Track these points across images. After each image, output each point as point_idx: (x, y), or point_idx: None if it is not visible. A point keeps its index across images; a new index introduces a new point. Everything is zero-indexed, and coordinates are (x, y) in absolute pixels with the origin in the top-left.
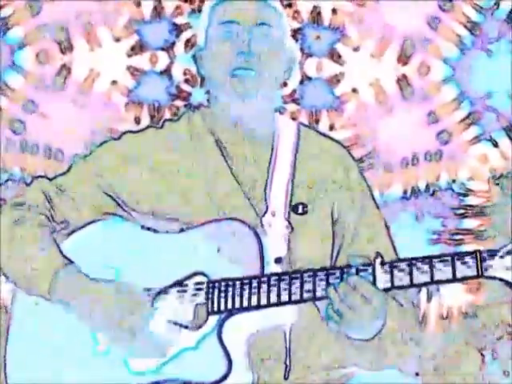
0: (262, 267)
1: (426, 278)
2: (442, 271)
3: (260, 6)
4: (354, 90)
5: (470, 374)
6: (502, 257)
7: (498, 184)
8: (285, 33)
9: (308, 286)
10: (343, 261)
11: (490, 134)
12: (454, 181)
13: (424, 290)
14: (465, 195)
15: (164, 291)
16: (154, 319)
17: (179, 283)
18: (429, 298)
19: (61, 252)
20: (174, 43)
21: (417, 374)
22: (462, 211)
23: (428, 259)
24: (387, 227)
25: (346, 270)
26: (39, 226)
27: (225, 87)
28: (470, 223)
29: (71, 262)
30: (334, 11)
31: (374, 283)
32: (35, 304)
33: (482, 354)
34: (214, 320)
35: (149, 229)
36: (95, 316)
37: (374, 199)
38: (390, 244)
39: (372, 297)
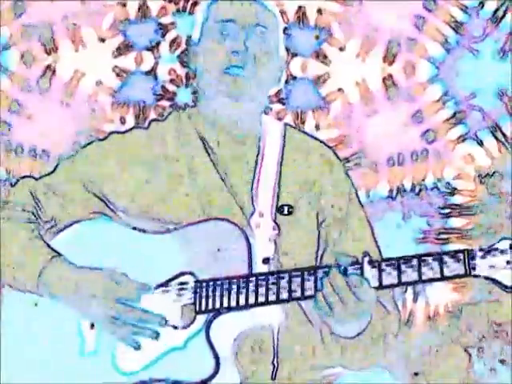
0: (250, 267)
1: (414, 277)
2: (430, 270)
3: (258, 8)
4: (340, 90)
5: (457, 373)
6: (484, 256)
7: (483, 183)
8: (279, 37)
9: (295, 286)
10: (329, 261)
11: (476, 134)
12: (439, 180)
13: (410, 289)
14: (451, 194)
15: (151, 291)
16: None
17: (167, 283)
18: (415, 298)
19: (48, 245)
20: (159, 43)
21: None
22: (448, 210)
23: (416, 258)
24: (371, 227)
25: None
26: (26, 223)
27: (216, 85)
28: (456, 222)
29: (59, 254)
30: (320, 11)
31: None
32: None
33: (468, 353)
34: (201, 319)
35: (136, 229)
36: (85, 303)
37: (359, 199)
38: (374, 244)
39: (363, 292)
